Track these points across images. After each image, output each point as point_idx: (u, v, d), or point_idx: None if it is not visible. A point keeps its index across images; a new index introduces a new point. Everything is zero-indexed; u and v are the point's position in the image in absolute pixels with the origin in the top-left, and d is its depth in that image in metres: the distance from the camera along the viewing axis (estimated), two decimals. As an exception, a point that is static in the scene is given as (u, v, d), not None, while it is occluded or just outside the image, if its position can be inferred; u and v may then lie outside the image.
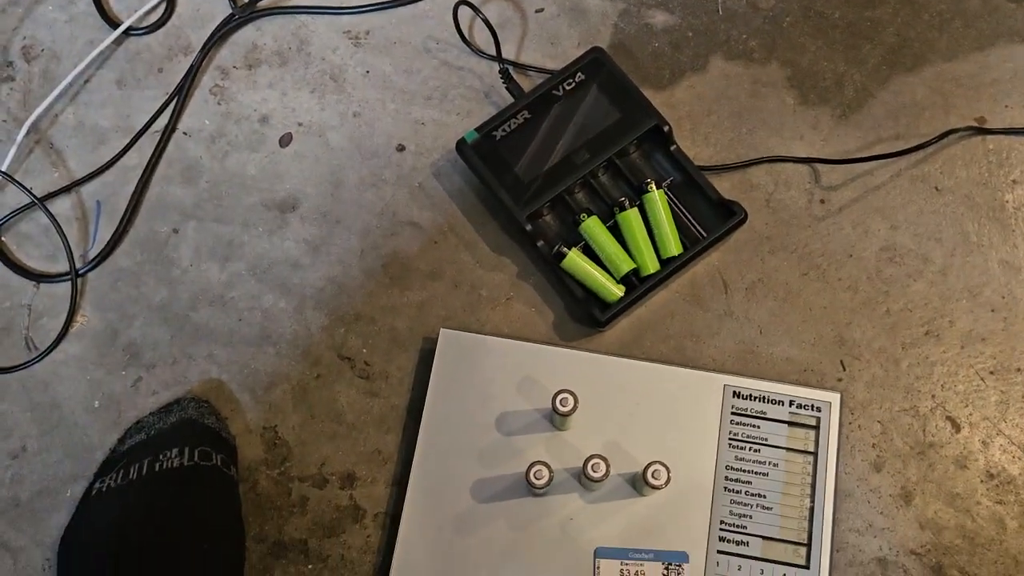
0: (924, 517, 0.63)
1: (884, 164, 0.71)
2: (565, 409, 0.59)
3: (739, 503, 0.62)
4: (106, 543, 0.59)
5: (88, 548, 0.61)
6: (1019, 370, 0.66)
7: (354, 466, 0.65)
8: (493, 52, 0.73)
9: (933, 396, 0.65)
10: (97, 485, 0.63)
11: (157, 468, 0.61)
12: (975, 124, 0.71)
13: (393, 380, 0.67)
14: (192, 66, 0.75)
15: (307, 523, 0.64)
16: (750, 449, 0.63)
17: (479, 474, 0.63)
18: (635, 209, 0.67)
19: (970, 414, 0.65)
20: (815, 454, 0.63)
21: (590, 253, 0.67)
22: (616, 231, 0.68)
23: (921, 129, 0.71)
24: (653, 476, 0.58)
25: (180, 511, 0.60)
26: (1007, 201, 0.70)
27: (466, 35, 0.75)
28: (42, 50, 0.77)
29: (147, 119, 0.74)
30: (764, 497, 0.62)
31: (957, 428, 0.65)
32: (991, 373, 0.66)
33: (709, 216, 0.68)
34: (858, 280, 0.68)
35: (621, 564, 0.60)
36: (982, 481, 0.63)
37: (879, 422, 0.65)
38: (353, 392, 0.67)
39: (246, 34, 0.77)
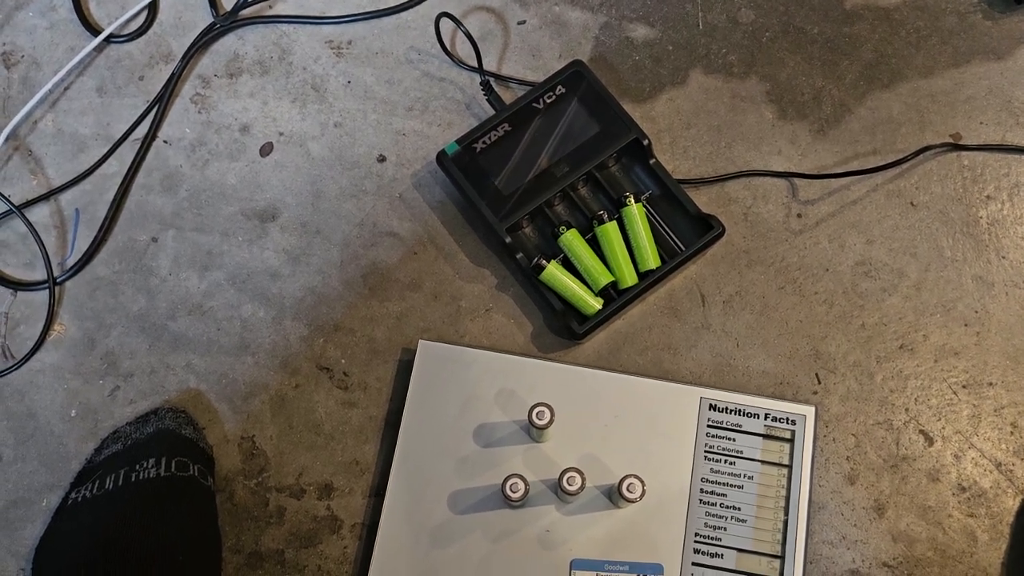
0: (897, 530, 0.63)
1: (860, 179, 0.71)
2: (542, 422, 0.59)
3: (714, 515, 0.62)
4: (81, 554, 0.59)
5: (63, 558, 0.61)
6: (991, 384, 0.66)
7: (332, 476, 0.65)
8: (475, 63, 0.73)
9: (907, 410, 0.66)
10: (73, 495, 0.63)
11: (133, 478, 0.61)
12: (950, 140, 0.72)
13: (371, 391, 0.67)
14: (173, 74, 0.75)
15: (284, 533, 0.64)
16: (725, 462, 0.63)
17: (456, 485, 0.63)
18: (614, 222, 0.68)
19: (943, 428, 0.66)
20: (790, 467, 0.63)
21: (569, 266, 0.68)
22: (595, 244, 0.68)
23: (897, 145, 0.72)
24: (628, 490, 0.58)
25: (156, 522, 0.60)
26: (981, 217, 0.70)
27: (448, 46, 0.75)
28: (22, 56, 0.77)
29: (127, 127, 0.74)
30: (739, 509, 0.62)
31: (930, 441, 0.65)
32: (964, 387, 0.66)
33: (687, 230, 0.69)
34: (834, 294, 0.69)
35: (597, 576, 0.61)
36: (954, 494, 0.64)
37: (853, 435, 0.65)
38: (331, 402, 0.67)
39: (227, 43, 0.77)
